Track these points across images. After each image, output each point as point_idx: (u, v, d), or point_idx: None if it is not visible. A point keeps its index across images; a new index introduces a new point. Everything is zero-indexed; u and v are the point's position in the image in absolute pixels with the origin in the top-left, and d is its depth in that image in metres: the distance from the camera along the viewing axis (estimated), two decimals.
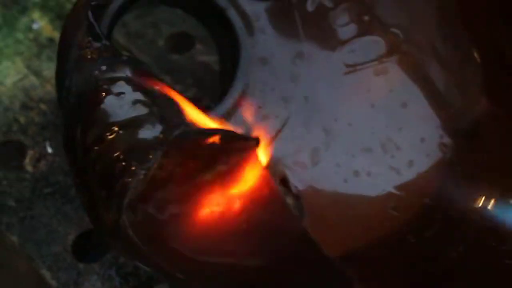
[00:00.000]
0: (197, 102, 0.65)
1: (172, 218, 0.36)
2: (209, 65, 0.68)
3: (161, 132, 0.39)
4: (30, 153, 0.62)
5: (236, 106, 0.56)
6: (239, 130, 0.55)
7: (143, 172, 0.36)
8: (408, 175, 0.56)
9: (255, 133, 0.55)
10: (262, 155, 0.36)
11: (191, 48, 0.70)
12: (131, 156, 0.38)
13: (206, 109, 0.56)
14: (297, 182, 0.55)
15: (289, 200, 0.54)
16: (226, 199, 0.36)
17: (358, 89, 0.59)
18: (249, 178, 0.35)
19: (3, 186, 0.60)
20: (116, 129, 0.39)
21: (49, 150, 0.62)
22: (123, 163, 0.38)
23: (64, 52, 0.46)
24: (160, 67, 0.68)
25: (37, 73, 0.68)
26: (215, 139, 0.34)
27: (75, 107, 0.42)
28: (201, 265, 0.39)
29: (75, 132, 0.42)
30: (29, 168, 0.61)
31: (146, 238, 0.37)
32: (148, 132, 0.38)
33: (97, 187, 0.39)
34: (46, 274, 0.55)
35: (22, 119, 0.65)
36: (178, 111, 0.41)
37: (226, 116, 0.55)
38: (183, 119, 0.40)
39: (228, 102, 0.56)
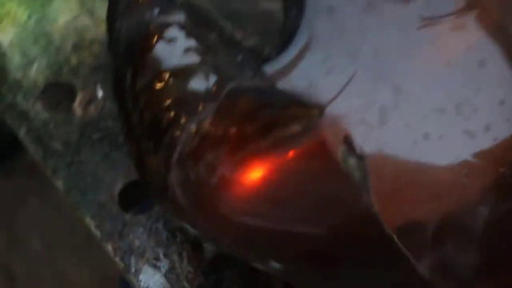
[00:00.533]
0: (258, 51, 0.62)
1: (222, 180, 0.33)
2: (273, 13, 0.63)
3: (214, 83, 0.35)
4: (80, 95, 0.60)
5: (298, 58, 0.52)
6: (301, 84, 0.51)
7: (193, 126, 0.32)
8: (484, 140, 0.51)
9: (318, 89, 0.51)
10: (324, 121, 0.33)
11: None
12: (181, 107, 0.34)
13: (266, 59, 0.52)
14: (362, 141, 0.50)
15: (352, 161, 0.50)
16: (281, 165, 0.33)
17: (433, 44, 0.54)
18: (308, 145, 0.32)
19: (50, 129, 0.58)
20: (166, 77, 0.36)
21: (100, 93, 0.60)
22: (172, 114, 0.34)
23: None
24: (220, 12, 0.64)
25: (91, 13, 0.65)
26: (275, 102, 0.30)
27: (125, 51, 0.39)
28: (250, 231, 0.36)
29: (124, 78, 0.39)
30: (78, 111, 0.59)
31: (194, 200, 0.34)
32: (200, 83, 0.35)
33: (144, 137, 0.36)
34: (91, 223, 0.53)
35: (73, 60, 0.62)
36: (235, 61, 0.37)
37: (288, 68, 0.51)
38: (238, 69, 0.36)
39: (290, 53, 0.52)
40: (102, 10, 0.65)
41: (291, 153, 0.32)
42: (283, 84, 0.51)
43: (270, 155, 0.33)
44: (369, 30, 0.54)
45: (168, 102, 0.35)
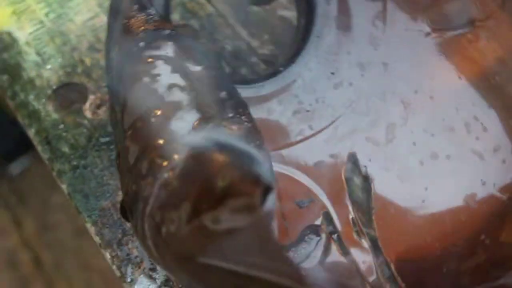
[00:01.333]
0: (271, 60, 0.60)
1: (179, 241, 0.32)
2: (290, 21, 0.62)
3: (194, 122, 0.34)
4: (91, 98, 0.59)
5: (306, 70, 0.51)
6: (307, 99, 0.50)
7: (165, 175, 0.32)
8: (491, 162, 0.50)
9: (326, 103, 0.50)
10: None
11: (273, 0, 0.64)
12: (160, 150, 0.34)
13: (274, 73, 0.51)
14: (367, 160, 0.49)
15: (357, 181, 0.49)
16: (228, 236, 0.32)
17: (444, 59, 0.52)
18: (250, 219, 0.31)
19: (59, 130, 0.58)
20: (148, 116, 0.35)
21: None
22: (151, 158, 0.34)
23: (112, 18, 0.42)
24: (237, 19, 0.63)
25: None
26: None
27: (116, 82, 0.38)
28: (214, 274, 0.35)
29: (115, 109, 0.38)
30: (88, 114, 0.58)
31: (162, 252, 0.33)
32: (181, 123, 0.34)
33: (128, 178, 0.36)
34: (91, 229, 0.52)
35: (87, 61, 0.62)
36: (217, 98, 0.36)
37: (293, 81, 0.50)
38: (219, 107, 0.35)
39: (297, 66, 0.51)
40: None
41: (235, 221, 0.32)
42: (288, 98, 0.50)
43: (219, 226, 0.32)
44: (379, 41, 0.52)
45: (149, 143, 0.35)
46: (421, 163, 0.50)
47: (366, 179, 0.49)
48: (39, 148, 0.58)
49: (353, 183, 0.49)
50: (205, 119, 0.34)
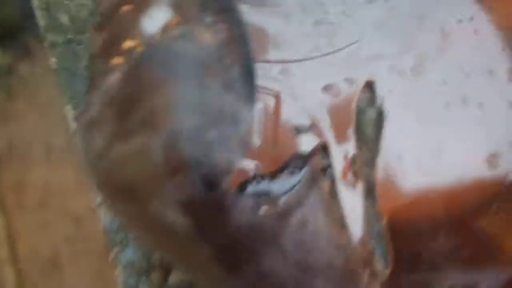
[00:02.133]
0: None
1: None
2: None
3: (168, 21, 0.29)
4: None
5: None
6: (335, 12, 0.43)
7: (110, 80, 0.27)
8: None
9: None
10: None
11: None
12: (115, 49, 0.29)
13: None
14: (386, 91, 0.43)
15: (369, 113, 0.43)
16: None
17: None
18: None
19: None
20: (116, 10, 0.31)
21: None
22: (106, 57, 0.30)
23: None
24: None
25: None
26: None
27: None
28: None
29: None
30: None
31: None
32: (149, 22, 0.30)
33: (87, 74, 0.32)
34: (68, 114, 0.47)
35: None
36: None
37: None
38: (199, 10, 0.30)
39: None
40: None
41: None
42: (313, 5, 0.44)
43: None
44: None
45: (110, 39, 0.30)
46: (446, 106, 0.43)
47: (381, 114, 0.42)
48: (37, 13, 0.53)
49: (364, 115, 0.43)
50: (178, 20, 0.29)
